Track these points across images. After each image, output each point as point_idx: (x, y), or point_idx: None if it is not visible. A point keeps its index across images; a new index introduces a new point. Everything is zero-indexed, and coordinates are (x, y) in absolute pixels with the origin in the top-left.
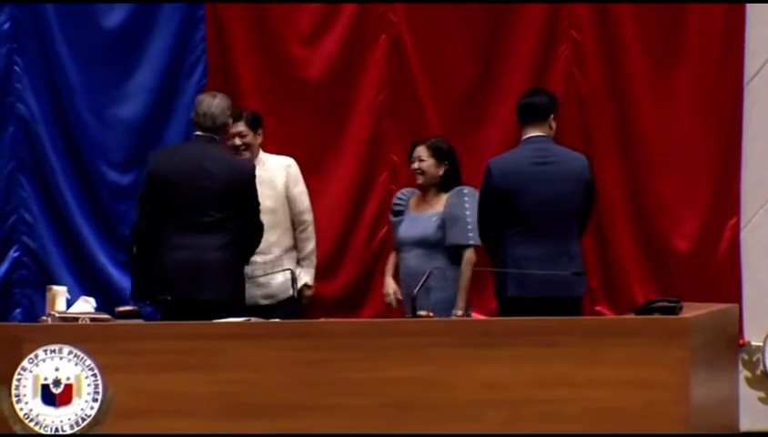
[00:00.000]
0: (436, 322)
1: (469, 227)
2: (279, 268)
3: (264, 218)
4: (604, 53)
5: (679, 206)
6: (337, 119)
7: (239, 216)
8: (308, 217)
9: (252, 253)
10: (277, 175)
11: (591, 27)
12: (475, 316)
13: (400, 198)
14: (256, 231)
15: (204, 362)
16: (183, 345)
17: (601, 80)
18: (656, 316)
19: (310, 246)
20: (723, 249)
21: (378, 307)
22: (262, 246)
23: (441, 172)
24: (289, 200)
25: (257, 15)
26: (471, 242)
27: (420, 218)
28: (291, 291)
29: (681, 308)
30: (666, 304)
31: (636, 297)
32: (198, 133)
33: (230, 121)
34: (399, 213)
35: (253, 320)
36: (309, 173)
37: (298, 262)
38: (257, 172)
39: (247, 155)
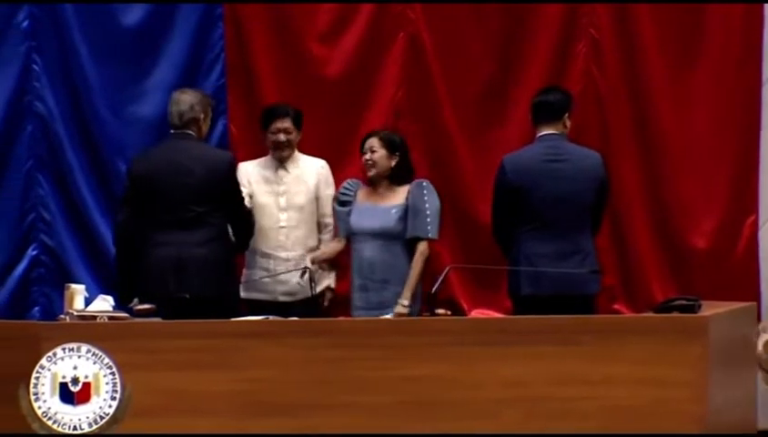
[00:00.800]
0: (453, 321)
1: (428, 220)
2: (302, 265)
3: (293, 214)
4: (623, 52)
5: (697, 204)
6: (355, 117)
7: (221, 209)
8: (330, 219)
9: (247, 241)
10: (309, 174)
11: (609, 26)
12: (490, 314)
13: (348, 188)
14: (244, 219)
15: (221, 361)
16: (201, 343)
17: (619, 79)
18: (674, 314)
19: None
20: (742, 248)
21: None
22: (287, 242)
23: (392, 164)
24: (318, 202)
25: (276, 14)
26: (430, 236)
27: (377, 210)
28: (310, 291)
29: (699, 306)
30: (685, 302)
31: (655, 295)
32: (172, 130)
33: (201, 116)
34: (346, 203)
35: (271, 318)
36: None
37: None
38: (291, 171)
39: (287, 152)
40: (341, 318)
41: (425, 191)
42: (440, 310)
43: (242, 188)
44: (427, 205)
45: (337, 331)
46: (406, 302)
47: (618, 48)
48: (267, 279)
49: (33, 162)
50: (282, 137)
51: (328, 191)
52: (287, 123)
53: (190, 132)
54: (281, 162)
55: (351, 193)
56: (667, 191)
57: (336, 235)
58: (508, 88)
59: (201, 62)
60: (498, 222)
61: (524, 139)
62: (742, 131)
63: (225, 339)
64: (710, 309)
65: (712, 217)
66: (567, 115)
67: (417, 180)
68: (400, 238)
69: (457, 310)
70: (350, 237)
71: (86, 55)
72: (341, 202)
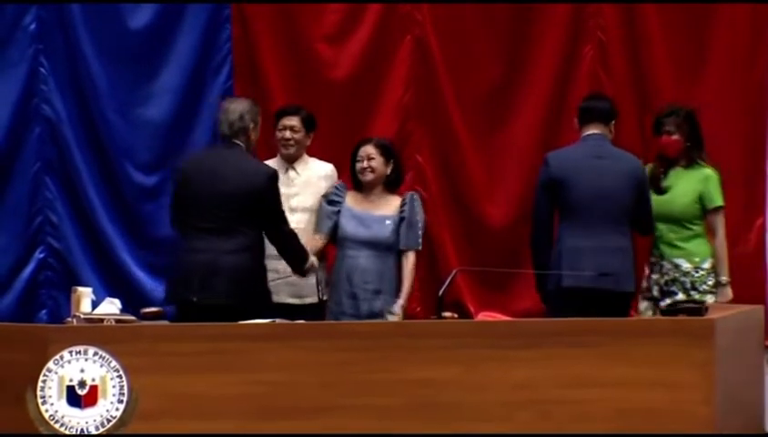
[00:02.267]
0: (462, 324)
1: (420, 233)
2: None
3: (302, 216)
4: (629, 53)
5: None
6: (362, 119)
7: (255, 220)
8: None
9: (296, 264)
10: (319, 177)
11: (616, 28)
12: (497, 317)
13: (338, 190)
14: (283, 237)
15: (229, 364)
16: (208, 346)
17: (626, 81)
18: (682, 317)
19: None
20: (750, 250)
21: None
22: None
23: (389, 171)
24: None
25: (283, 15)
26: (419, 248)
27: (370, 219)
28: (320, 294)
29: (706, 309)
30: (692, 305)
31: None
32: (222, 138)
33: (250, 125)
34: (335, 203)
35: (278, 321)
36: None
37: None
38: (301, 173)
39: (293, 151)
40: (350, 321)
41: (416, 204)
42: (448, 313)
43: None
44: (418, 217)
45: (345, 334)
46: (396, 310)
47: (625, 50)
48: (277, 281)
49: (40, 165)
50: (288, 133)
51: None
52: (294, 121)
53: (237, 142)
54: (289, 162)
55: (341, 195)
56: None
57: (316, 231)
58: (515, 90)
59: (209, 64)
60: (538, 218)
61: (532, 141)
62: (750, 133)
63: (232, 342)
64: (717, 312)
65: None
66: (614, 122)
67: (410, 193)
68: (393, 248)
69: (464, 313)
70: (340, 243)
71: (94, 58)
72: (330, 201)
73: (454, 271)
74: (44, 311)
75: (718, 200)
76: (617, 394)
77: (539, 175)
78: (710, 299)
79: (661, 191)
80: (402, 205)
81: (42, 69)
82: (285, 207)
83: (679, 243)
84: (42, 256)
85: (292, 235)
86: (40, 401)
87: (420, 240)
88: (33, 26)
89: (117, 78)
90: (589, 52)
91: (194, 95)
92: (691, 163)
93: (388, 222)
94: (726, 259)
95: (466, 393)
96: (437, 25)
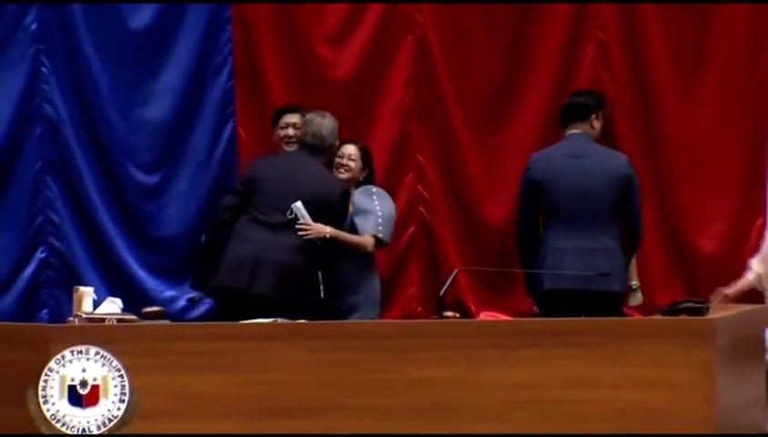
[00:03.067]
0: (462, 323)
1: (380, 220)
2: None
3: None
4: (630, 53)
5: (705, 206)
6: (363, 119)
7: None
8: None
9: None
10: None
11: (616, 28)
12: (498, 316)
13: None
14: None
15: (230, 363)
16: (209, 346)
17: (626, 81)
18: (682, 317)
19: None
20: (750, 250)
21: (406, 306)
22: None
23: (363, 176)
24: None
25: (284, 16)
26: (381, 236)
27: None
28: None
29: (708, 309)
30: (693, 305)
31: (663, 298)
32: (307, 148)
33: (337, 142)
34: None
35: (280, 320)
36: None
37: None
38: None
39: (294, 148)
40: (351, 321)
41: (374, 196)
42: (449, 313)
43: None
44: (378, 207)
45: (346, 334)
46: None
47: (625, 50)
48: None
49: (41, 165)
50: (291, 130)
51: None
52: (295, 118)
53: (321, 155)
54: None
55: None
56: (675, 194)
57: None
58: (516, 90)
59: (209, 64)
60: (522, 220)
61: (533, 139)
62: (751, 133)
63: (233, 341)
64: (718, 312)
65: (721, 219)
66: (594, 116)
67: (365, 186)
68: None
69: (465, 313)
70: None
71: (95, 58)
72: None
73: (455, 271)
74: (45, 311)
75: None
76: (617, 394)
77: (522, 175)
78: None
79: None
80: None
81: (43, 69)
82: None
83: None
84: (43, 255)
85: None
86: (42, 400)
87: (382, 229)
88: (34, 26)
89: (118, 78)
90: (589, 52)
91: (194, 95)
92: None
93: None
94: (635, 262)
95: (466, 393)
96: (437, 26)
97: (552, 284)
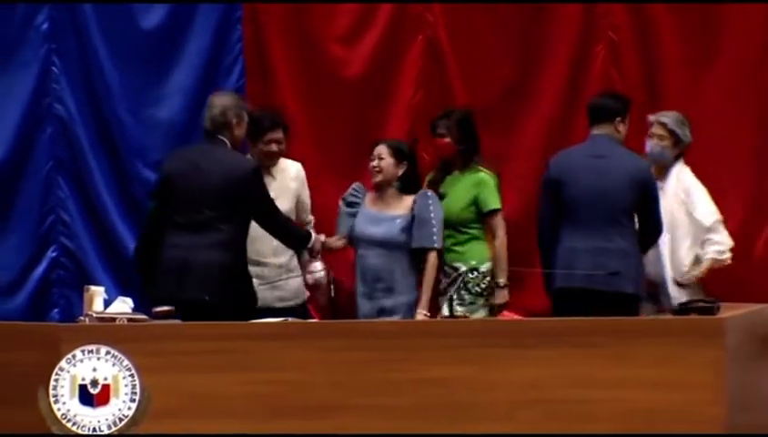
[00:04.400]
0: (472, 323)
1: (434, 230)
2: (292, 270)
3: None
4: (641, 53)
5: (716, 204)
6: (373, 119)
7: (237, 215)
8: (310, 217)
9: (295, 244)
10: (290, 179)
11: (627, 27)
12: (509, 316)
13: (357, 191)
14: (280, 225)
15: (240, 363)
16: (220, 345)
17: (637, 81)
18: (691, 316)
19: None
20: (760, 249)
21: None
22: (279, 248)
23: (400, 173)
24: (300, 205)
25: (295, 16)
26: (436, 245)
27: (381, 218)
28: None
29: (718, 308)
30: (703, 304)
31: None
32: (205, 133)
33: (233, 121)
34: (353, 205)
35: (290, 320)
36: (345, 173)
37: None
38: (277, 177)
39: (276, 161)
40: (360, 320)
41: (430, 202)
42: (459, 312)
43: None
44: (432, 215)
45: (355, 333)
46: (425, 312)
47: (636, 50)
48: (261, 287)
49: (52, 164)
50: (275, 147)
51: (306, 192)
52: (279, 133)
53: (221, 137)
54: (267, 167)
55: (359, 196)
56: None
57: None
58: (526, 90)
59: (220, 64)
60: (541, 218)
61: (543, 141)
62: (762, 132)
63: (244, 341)
64: (728, 312)
65: (731, 219)
66: (619, 119)
67: (422, 191)
68: (404, 247)
69: None
70: (354, 242)
71: (106, 58)
72: (349, 203)
73: (465, 270)
74: (56, 310)
75: (493, 204)
76: (626, 394)
77: (544, 175)
78: (480, 301)
79: (440, 197)
80: (414, 203)
81: (54, 69)
82: None
83: (455, 247)
84: (54, 255)
85: (288, 221)
86: (52, 399)
87: (436, 238)
88: (45, 26)
89: (129, 78)
90: (600, 52)
91: (205, 95)
92: (466, 167)
93: (398, 221)
94: (505, 261)
95: (475, 393)
96: (448, 26)
97: (563, 282)
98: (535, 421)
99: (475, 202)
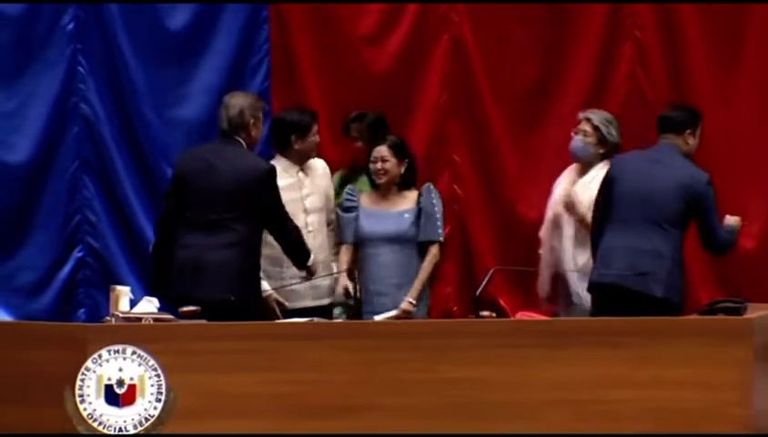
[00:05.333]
0: (498, 322)
1: (438, 223)
2: (327, 269)
3: (315, 217)
4: (668, 53)
5: (744, 205)
6: (399, 119)
7: (251, 216)
8: (333, 216)
9: (299, 259)
10: (321, 176)
11: (654, 28)
12: (534, 316)
13: (351, 195)
14: (287, 233)
15: (266, 363)
16: (245, 345)
17: (664, 80)
18: (719, 316)
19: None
20: None
21: (442, 306)
22: (315, 245)
23: (402, 170)
24: (328, 201)
25: (321, 16)
26: (441, 239)
27: (389, 215)
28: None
29: (745, 308)
30: (730, 305)
31: (701, 298)
32: (221, 133)
33: (250, 121)
34: (351, 209)
35: (315, 320)
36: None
37: None
38: (309, 174)
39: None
40: (383, 321)
41: (433, 195)
42: (485, 313)
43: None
44: (436, 209)
45: (381, 334)
46: (413, 300)
47: (663, 50)
48: (298, 287)
49: (78, 164)
50: (319, 138)
51: (332, 190)
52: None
53: (237, 138)
54: (300, 164)
55: (355, 199)
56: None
57: (341, 242)
58: (552, 90)
59: (246, 64)
60: (593, 217)
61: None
62: None
63: (269, 341)
64: (756, 312)
65: (760, 218)
66: (689, 131)
67: (426, 185)
68: (413, 241)
69: (501, 312)
70: (361, 242)
71: (132, 58)
72: (347, 208)
73: (491, 270)
74: (82, 310)
75: None
76: (652, 394)
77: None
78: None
79: None
80: (419, 197)
81: (80, 69)
82: (299, 209)
83: None
84: (80, 255)
85: (296, 231)
86: (78, 399)
87: (441, 231)
88: (71, 26)
89: (155, 78)
90: (626, 51)
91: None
92: None
93: (406, 216)
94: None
95: (500, 393)
96: (474, 26)
97: (598, 278)
98: (561, 422)
99: None
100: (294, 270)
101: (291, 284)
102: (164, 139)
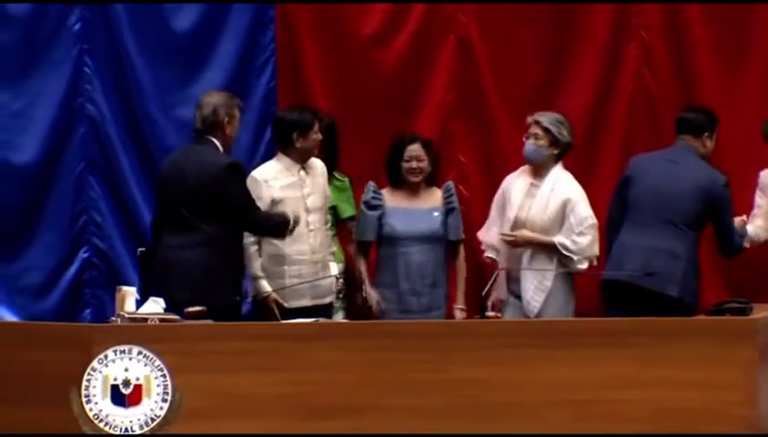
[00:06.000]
0: (505, 323)
1: (460, 221)
2: (326, 268)
3: (316, 216)
4: (674, 53)
5: (749, 206)
6: (405, 119)
7: (216, 215)
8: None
9: (276, 232)
10: (320, 175)
11: (660, 27)
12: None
13: (377, 192)
14: (256, 222)
15: (272, 363)
16: (251, 346)
17: (670, 80)
18: (725, 317)
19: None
20: None
21: (448, 306)
22: (316, 245)
23: (431, 167)
24: (326, 199)
25: (327, 16)
26: (463, 237)
27: (418, 213)
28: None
29: (751, 309)
30: (736, 305)
31: (707, 298)
32: (195, 133)
33: (224, 120)
34: (377, 207)
35: (321, 320)
36: (379, 173)
37: None
38: (310, 173)
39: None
40: (392, 320)
41: (453, 191)
42: (491, 313)
43: (260, 193)
44: (457, 206)
45: (387, 334)
46: (463, 306)
47: (669, 50)
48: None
49: (84, 164)
50: (320, 136)
51: (329, 189)
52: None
53: (211, 137)
54: (302, 163)
55: (380, 197)
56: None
57: (362, 240)
58: (558, 89)
59: (252, 64)
60: (609, 216)
61: (575, 139)
62: None
63: (276, 341)
64: (762, 312)
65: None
66: (707, 134)
67: (448, 183)
68: (442, 240)
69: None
70: (388, 240)
71: (138, 58)
72: (372, 206)
73: (497, 271)
74: (88, 311)
75: (348, 211)
76: (657, 395)
77: None
78: (338, 303)
79: None
80: (447, 196)
81: (86, 69)
82: (301, 208)
83: None
84: (86, 255)
85: (263, 217)
86: (84, 400)
87: (463, 229)
88: (77, 26)
89: (161, 78)
90: (633, 51)
91: (237, 96)
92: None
93: (436, 214)
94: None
95: (506, 393)
96: (480, 26)
97: (611, 275)
98: (566, 422)
99: (333, 208)
100: (296, 269)
101: (292, 285)
102: (170, 140)
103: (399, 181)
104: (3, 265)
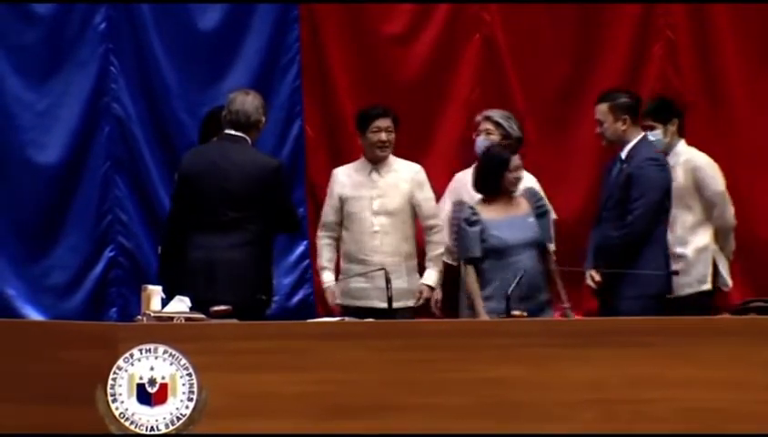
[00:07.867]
0: (530, 322)
1: (551, 224)
2: (398, 273)
3: (385, 220)
4: (699, 53)
5: None
6: (430, 118)
7: (261, 215)
8: (436, 221)
9: (289, 231)
10: (404, 180)
11: (686, 27)
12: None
13: (473, 208)
14: (294, 227)
15: (297, 362)
16: (277, 345)
17: (696, 80)
18: (751, 316)
19: (437, 250)
20: None
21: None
22: (381, 247)
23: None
24: (417, 208)
25: (352, 15)
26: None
27: (517, 222)
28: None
29: None
30: (762, 304)
31: (733, 297)
32: (226, 131)
33: (263, 120)
34: (476, 223)
35: (347, 319)
36: None
37: (424, 265)
38: (385, 175)
39: (386, 152)
40: (417, 319)
41: (543, 197)
42: (517, 312)
43: (331, 188)
44: (549, 209)
45: (412, 333)
46: (569, 304)
47: (694, 49)
48: (364, 285)
49: (110, 163)
50: (384, 135)
51: (425, 195)
52: (387, 121)
53: (244, 135)
54: (376, 163)
55: (477, 212)
56: (745, 193)
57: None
58: (583, 89)
59: (277, 64)
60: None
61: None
62: None
63: (301, 340)
64: None
65: None
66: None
67: (531, 188)
68: (543, 244)
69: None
70: (496, 252)
71: (163, 57)
72: (472, 222)
73: (522, 271)
74: (113, 309)
75: None
76: (684, 394)
77: None
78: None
79: None
80: (536, 200)
81: (112, 68)
82: (366, 208)
83: None
84: (112, 254)
85: (297, 224)
86: (110, 399)
87: None
88: (103, 26)
89: (186, 78)
90: (658, 51)
91: (262, 95)
92: None
93: (530, 220)
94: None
95: (533, 392)
96: (505, 25)
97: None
98: (594, 422)
99: None
100: (357, 268)
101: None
102: (195, 138)
103: (498, 192)
104: (29, 264)
